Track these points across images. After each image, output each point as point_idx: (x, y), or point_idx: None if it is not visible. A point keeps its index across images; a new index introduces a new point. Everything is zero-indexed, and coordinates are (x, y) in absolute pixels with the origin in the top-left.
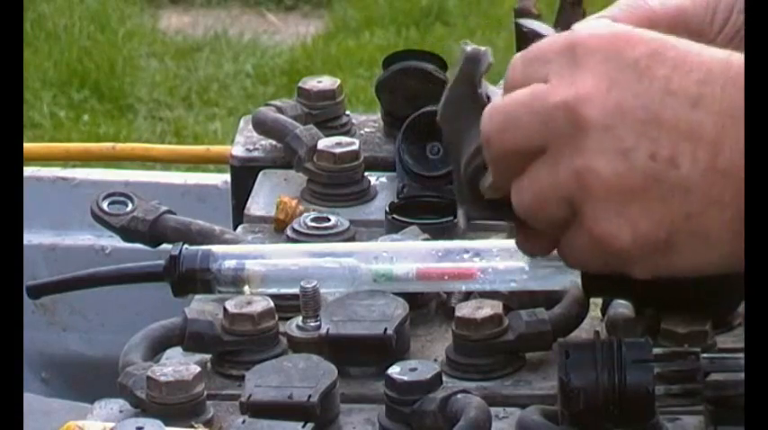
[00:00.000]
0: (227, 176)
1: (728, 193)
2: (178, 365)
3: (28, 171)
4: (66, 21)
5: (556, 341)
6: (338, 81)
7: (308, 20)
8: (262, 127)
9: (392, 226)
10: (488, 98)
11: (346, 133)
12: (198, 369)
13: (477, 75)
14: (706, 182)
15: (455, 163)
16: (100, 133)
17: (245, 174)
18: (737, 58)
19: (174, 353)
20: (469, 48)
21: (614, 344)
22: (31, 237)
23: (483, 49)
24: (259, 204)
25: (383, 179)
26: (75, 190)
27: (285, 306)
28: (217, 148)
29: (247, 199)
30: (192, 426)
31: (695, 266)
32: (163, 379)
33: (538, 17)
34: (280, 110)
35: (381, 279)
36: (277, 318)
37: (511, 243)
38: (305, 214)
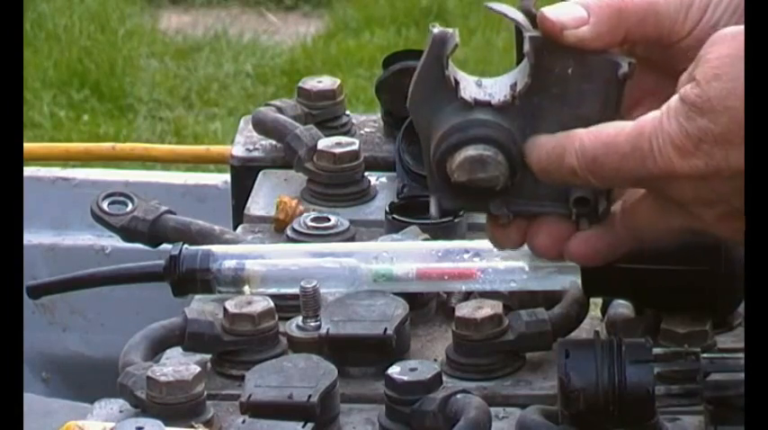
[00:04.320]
0: (227, 176)
1: None
2: (178, 365)
3: (28, 171)
4: (66, 21)
5: (556, 341)
6: (338, 81)
7: (308, 20)
8: (262, 127)
9: (392, 226)
10: (456, 81)
11: (346, 133)
12: (198, 369)
13: (444, 55)
14: None
15: (425, 149)
16: (100, 133)
17: (245, 174)
18: None
19: (174, 353)
20: (437, 29)
21: (614, 344)
22: (31, 237)
23: (450, 30)
24: (259, 204)
25: (383, 179)
26: (75, 190)
27: (285, 306)
28: (217, 148)
29: (247, 199)
30: (192, 426)
31: None
32: (163, 379)
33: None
34: (280, 110)
35: (381, 279)
36: (277, 317)
37: None
38: (305, 214)
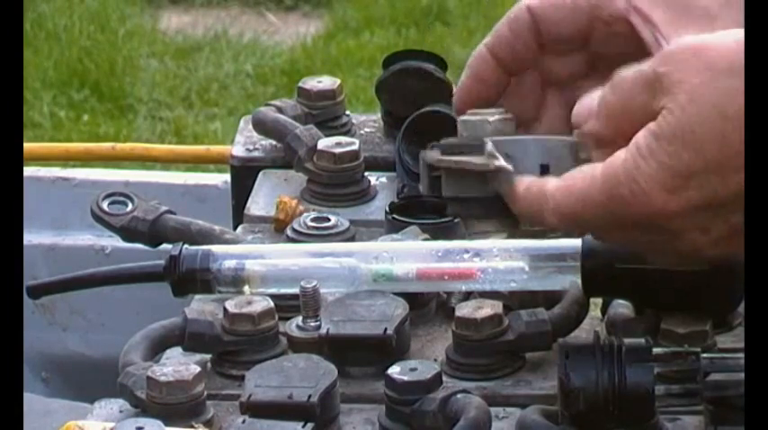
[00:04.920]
0: (227, 176)
1: None
2: (178, 365)
3: (28, 171)
4: (66, 21)
5: (556, 341)
6: (338, 81)
7: (308, 20)
8: (262, 127)
9: (392, 226)
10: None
11: (346, 133)
12: (198, 369)
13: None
14: None
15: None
16: (100, 133)
17: (245, 174)
18: None
19: (174, 353)
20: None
21: (614, 344)
22: (31, 237)
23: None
24: (259, 204)
25: (383, 179)
26: (75, 190)
27: (285, 306)
28: (217, 148)
29: (247, 199)
30: (192, 426)
31: None
32: (163, 379)
33: None
34: (280, 110)
35: (381, 279)
36: (277, 317)
37: (511, 243)
38: (305, 214)
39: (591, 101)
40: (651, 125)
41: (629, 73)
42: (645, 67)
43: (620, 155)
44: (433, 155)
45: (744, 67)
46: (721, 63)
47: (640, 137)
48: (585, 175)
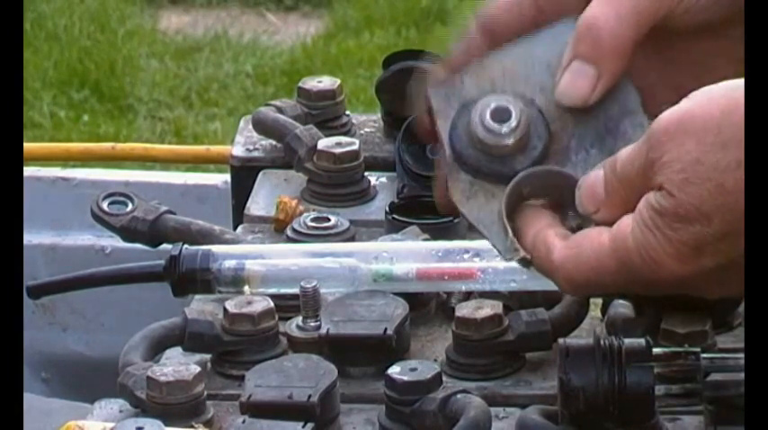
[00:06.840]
0: (227, 176)
1: None
2: (178, 365)
3: (28, 171)
4: (66, 21)
5: (556, 341)
6: (338, 81)
7: (308, 20)
8: (262, 127)
9: (392, 226)
10: None
11: (346, 133)
12: (198, 369)
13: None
14: None
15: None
16: (100, 133)
17: (245, 174)
18: None
19: (174, 353)
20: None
21: (614, 344)
22: (31, 237)
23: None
24: (259, 204)
25: (383, 179)
26: (75, 190)
27: (285, 306)
28: (217, 148)
29: (247, 199)
30: (192, 426)
31: None
32: (163, 379)
33: None
34: (280, 110)
35: (381, 279)
36: (277, 318)
37: None
38: (305, 214)
39: (593, 187)
40: (652, 200)
41: (626, 156)
42: (640, 145)
43: (627, 222)
44: (458, 179)
45: (730, 135)
46: (708, 135)
47: (644, 210)
48: (593, 243)
